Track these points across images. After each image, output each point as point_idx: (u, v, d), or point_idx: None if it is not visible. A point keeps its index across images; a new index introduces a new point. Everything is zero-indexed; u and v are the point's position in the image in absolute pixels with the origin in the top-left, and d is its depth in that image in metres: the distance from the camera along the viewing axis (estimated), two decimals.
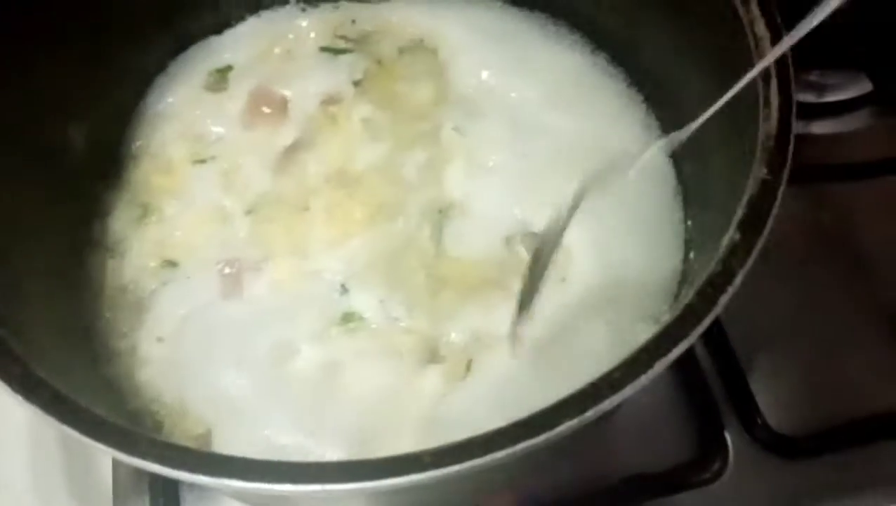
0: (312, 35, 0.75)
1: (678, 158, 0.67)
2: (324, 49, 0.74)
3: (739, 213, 0.46)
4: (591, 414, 0.40)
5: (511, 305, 0.56)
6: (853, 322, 0.76)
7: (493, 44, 0.74)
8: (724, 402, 0.73)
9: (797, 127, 0.49)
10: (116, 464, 0.69)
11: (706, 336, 0.65)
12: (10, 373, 0.41)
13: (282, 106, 0.70)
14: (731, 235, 0.46)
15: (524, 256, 0.64)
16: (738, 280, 0.43)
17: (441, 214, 0.65)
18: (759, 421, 0.73)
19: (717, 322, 0.49)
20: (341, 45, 0.75)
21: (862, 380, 0.74)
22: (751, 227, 0.45)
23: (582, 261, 0.63)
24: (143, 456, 0.38)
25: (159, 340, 0.62)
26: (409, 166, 0.67)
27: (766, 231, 0.45)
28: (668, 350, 0.41)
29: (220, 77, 0.74)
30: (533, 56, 0.73)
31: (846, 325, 0.76)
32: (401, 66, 0.74)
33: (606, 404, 0.40)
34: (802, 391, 0.74)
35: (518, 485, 0.70)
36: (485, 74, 0.72)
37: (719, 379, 0.74)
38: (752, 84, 0.51)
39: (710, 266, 0.45)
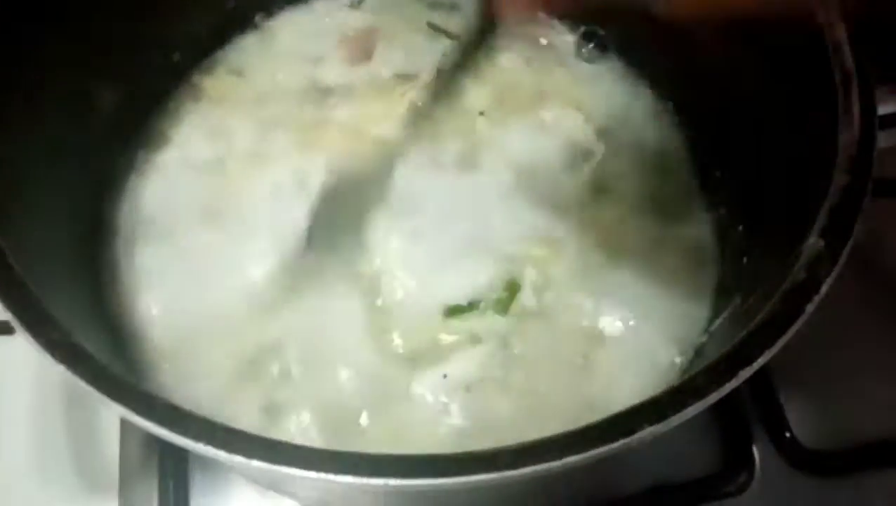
0: None
1: (711, 170, 0.66)
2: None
3: (821, 220, 0.44)
4: (674, 420, 0.37)
5: None
6: (890, 341, 0.74)
7: None
8: (753, 414, 0.72)
9: None
10: (125, 444, 0.66)
11: None
12: (50, 339, 0.37)
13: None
14: (812, 242, 0.44)
15: None
16: (825, 288, 0.42)
17: None
18: (788, 436, 0.71)
19: None
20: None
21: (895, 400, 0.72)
22: (835, 234, 0.44)
23: None
24: (196, 438, 0.35)
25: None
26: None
27: (851, 239, 0.43)
28: (753, 358, 0.40)
29: None
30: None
31: (882, 343, 0.74)
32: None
33: (689, 411, 0.38)
34: (833, 408, 0.73)
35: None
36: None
37: (749, 391, 0.72)
38: (826, 91, 0.49)
39: (790, 274, 0.43)
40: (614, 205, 0.66)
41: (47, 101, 0.53)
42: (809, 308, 0.41)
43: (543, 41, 0.74)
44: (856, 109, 0.48)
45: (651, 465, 0.70)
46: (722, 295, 0.60)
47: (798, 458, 0.70)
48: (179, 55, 0.70)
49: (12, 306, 0.39)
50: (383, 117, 0.69)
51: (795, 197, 0.50)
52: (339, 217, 0.63)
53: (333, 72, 0.73)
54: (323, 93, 0.71)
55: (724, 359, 0.40)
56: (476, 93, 0.71)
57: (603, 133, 0.69)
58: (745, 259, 0.59)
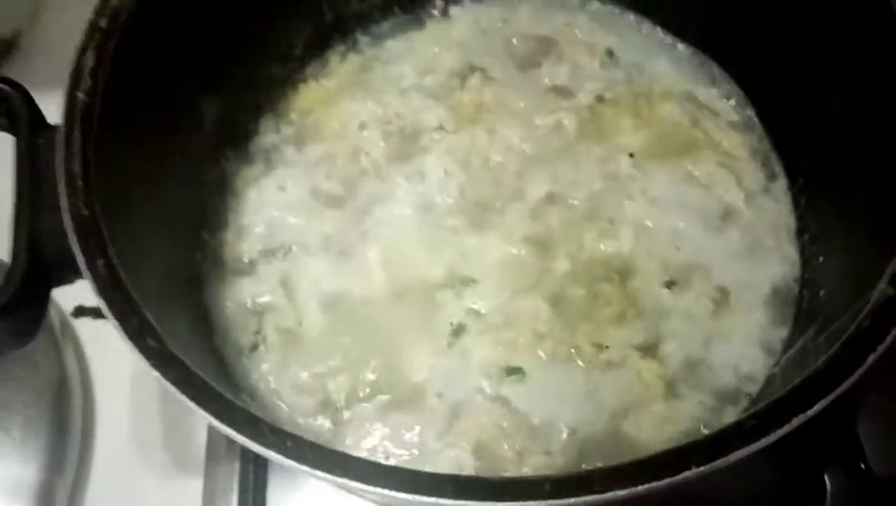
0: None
1: (806, 195, 0.65)
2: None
3: (893, 266, 0.44)
4: (720, 464, 0.38)
5: None
6: None
7: None
8: (828, 441, 0.70)
9: None
10: (211, 430, 0.70)
11: None
12: (149, 350, 0.42)
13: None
14: (881, 288, 0.43)
15: None
16: (890, 338, 0.41)
17: None
18: (863, 466, 0.69)
19: None
20: None
21: None
22: None
23: None
24: (271, 447, 0.39)
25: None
26: None
27: None
28: (808, 406, 0.40)
29: None
30: None
31: None
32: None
33: (738, 455, 0.39)
34: None
35: None
36: None
37: (826, 417, 0.71)
38: None
39: (856, 320, 0.43)
40: None
41: (154, 122, 0.56)
42: (871, 358, 0.41)
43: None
44: None
45: (718, 484, 0.70)
46: (799, 325, 0.60)
47: (871, 488, 0.69)
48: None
49: (115, 312, 0.43)
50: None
51: (872, 239, 0.50)
52: None
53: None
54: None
55: (778, 403, 0.40)
56: (631, 133, 0.68)
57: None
58: (822, 292, 0.58)
